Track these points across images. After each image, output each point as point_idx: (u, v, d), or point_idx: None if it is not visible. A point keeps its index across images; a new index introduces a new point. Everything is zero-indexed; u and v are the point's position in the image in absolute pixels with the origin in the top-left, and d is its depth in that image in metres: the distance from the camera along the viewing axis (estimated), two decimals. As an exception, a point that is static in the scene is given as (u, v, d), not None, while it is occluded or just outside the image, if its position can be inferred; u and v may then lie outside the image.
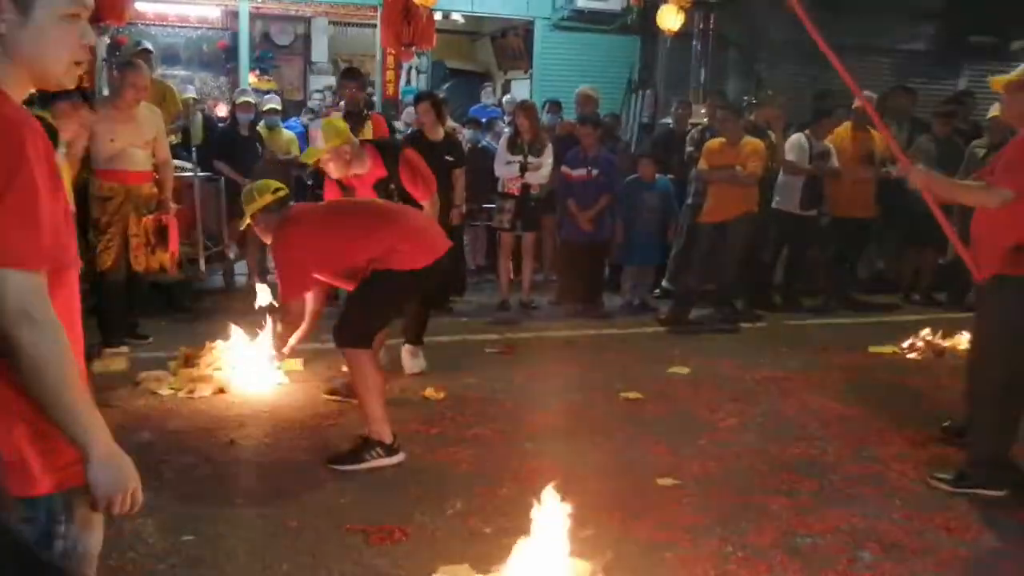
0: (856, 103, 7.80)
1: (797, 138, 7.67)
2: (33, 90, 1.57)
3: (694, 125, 8.31)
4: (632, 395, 5.14)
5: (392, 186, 4.91)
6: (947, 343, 6.41)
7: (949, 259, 8.39)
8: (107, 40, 9.19)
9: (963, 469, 4.00)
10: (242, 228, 4.69)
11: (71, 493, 1.55)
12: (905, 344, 6.46)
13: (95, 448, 1.49)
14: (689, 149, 7.96)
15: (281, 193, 4.31)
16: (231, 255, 7.49)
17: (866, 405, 5.13)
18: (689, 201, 7.70)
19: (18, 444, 1.48)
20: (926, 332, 6.51)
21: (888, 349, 6.42)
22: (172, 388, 4.96)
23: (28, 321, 1.40)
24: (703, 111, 8.72)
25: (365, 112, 7.00)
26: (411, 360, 5.52)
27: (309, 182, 8.35)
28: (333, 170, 4.83)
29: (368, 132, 7.06)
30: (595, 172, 7.27)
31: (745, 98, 8.67)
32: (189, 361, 5.27)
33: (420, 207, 4.87)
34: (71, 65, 1.54)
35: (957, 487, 3.93)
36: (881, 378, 5.74)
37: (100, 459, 1.50)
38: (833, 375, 5.77)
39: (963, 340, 6.38)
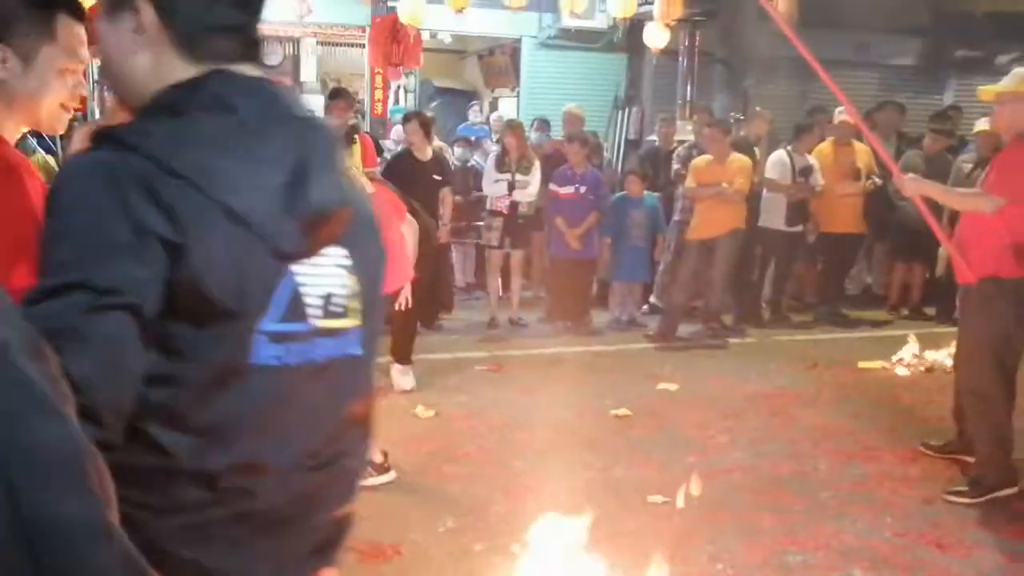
0: (837, 118, 7.87)
1: (779, 155, 7.69)
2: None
3: (680, 142, 8.34)
4: (622, 412, 5.13)
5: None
6: (936, 358, 6.41)
7: (938, 274, 8.46)
8: (99, 61, 9.16)
9: (974, 477, 4.01)
10: None
11: None
12: (894, 359, 6.46)
13: None
14: (676, 166, 7.98)
15: None
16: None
17: (856, 421, 5.14)
18: (677, 217, 7.72)
19: None
20: (915, 347, 6.52)
21: (877, 364, 6.43)
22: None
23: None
24: (689, 128, 8.76)
25: (354, 135, 7.01)
26: (401, 378, 5.50)
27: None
28: None
29: (356, 152, 7.08)
30: (583, 190, 7.29)
31: (732, 115, 8.70)
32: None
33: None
34: (63, 112, 1.66)
35: (976, 497, 3.93)
36: (871, 394, 5.74)
37: None
38: (823, 391, 5.77)
39: (952, 354, 6.41)
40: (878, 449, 4.70)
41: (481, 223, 7.79)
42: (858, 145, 7.92)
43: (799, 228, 7.77)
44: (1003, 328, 3.88)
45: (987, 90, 4.02)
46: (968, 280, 3.95)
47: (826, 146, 7.94)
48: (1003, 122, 3.98)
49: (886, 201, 8.13)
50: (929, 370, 6.32)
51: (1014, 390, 4.04)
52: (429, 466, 4.24)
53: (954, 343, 6.38)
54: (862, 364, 6.44)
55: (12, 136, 1.63)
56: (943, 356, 6.41)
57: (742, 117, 8.50)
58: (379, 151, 9.64)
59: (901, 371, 6.33)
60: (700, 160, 7.15)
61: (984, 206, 3.84)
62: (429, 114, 8.01)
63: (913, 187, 3.97)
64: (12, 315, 0.81)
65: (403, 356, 5.54)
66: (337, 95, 7.42)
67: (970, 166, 7.88)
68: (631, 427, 4.93)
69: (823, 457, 4.57)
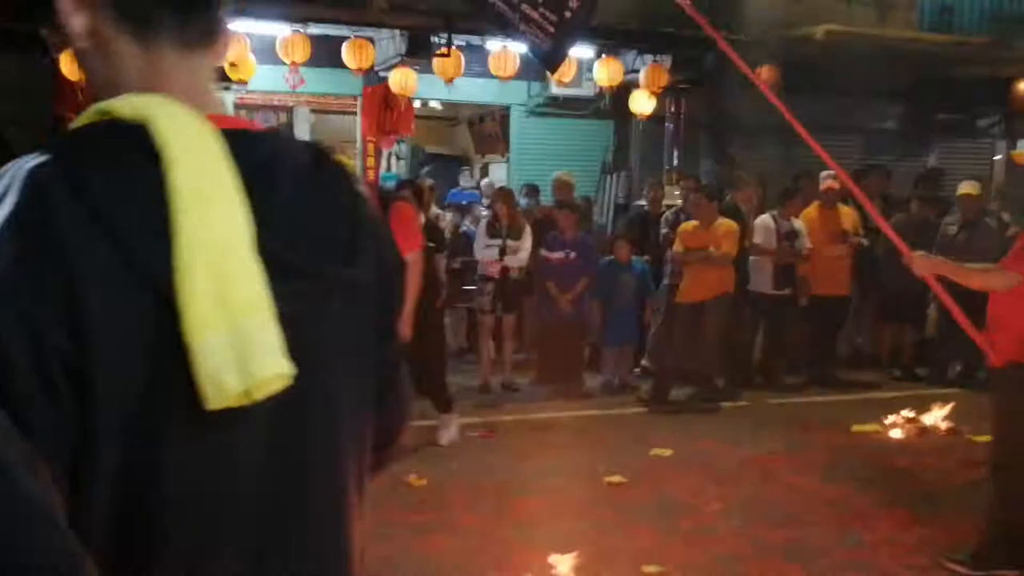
0: (823, 184, 7.99)
1: (764, 219, 7.79)
2: None
3: (668, 207, 8.45)
4: (615, 479, 5.10)
5: None
6: (929, 421, 6.41)
7: (928, 335, 8.51)
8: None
9: (979, 550, 3.94)
10: None
11: None
12: (887, 422, 6.46)
13: None
14: (664, 230, 8.06)
15: None
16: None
17: (851, 486, 5.11)
18: (666, 281, 7.78)
19: None
20: (908, 411, 6.52)
21: (871, 428, 6.42)
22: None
23: None
24: (677, 192, 8.88)
25: None
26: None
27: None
28: None
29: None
30: (573, 255, 7.36)
31: (720, 180, 8.84)
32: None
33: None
34: None
35: (976, 571, 3.86)
36: (865, 458, 5.72)
37: None
38: (816, 455, 5.75)
39: (945, 418, 6.43)
40: (873, 515, 4.67)
41: (473, 287, 7.83)
42: (843, 208, 8.04)
43: (787, 291, 7.83)
44: None
45: (1021, 154, 4.00)
46: (995, 363, 3.85)
47: (812, 210, 8.06)
48: None
49: (872, 262, 8.23)
50: (923, 433, 6.31)
51: None
52: (423, 536, 4.20)
53: (946, 405, 6.48)
54: (855, 427, 6.43)
55: None
56: (936, 419, 6.43)
57: (730, 183, 8.62)
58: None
59: (895, 434, 6.32)
60: (687, 225, 7.25)
61: (998, 283, 3.75)
62: (428, 180, 8.13)
63: (925, 266, 3.83)
64: (10, 432, 0.82)
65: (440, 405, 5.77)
66: None
67: (955, 228, 8.02)
68: (625, 494, 4.90)
69: (818, 524, 4.54)
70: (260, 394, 0.93)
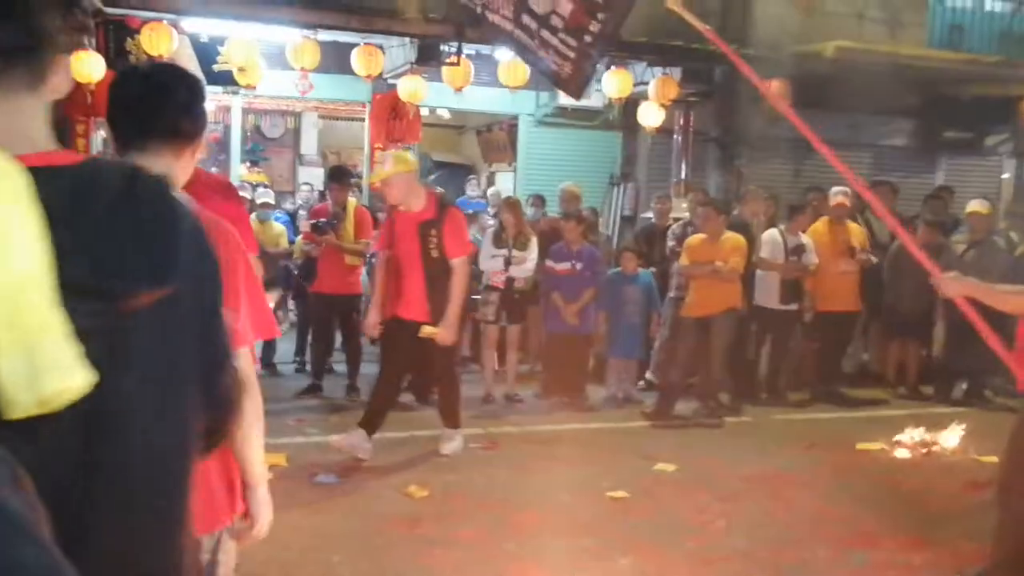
0: (834, 200, 7.94)
1: (771, 234, 7.75)
2: None
3: (676, 219, 8.41)
4: (618, 494, 5.05)
5: (434, 231, 5.27)
6: (936, 441, 6.36)
7: (935, 354, 8.46)
8: (101, 134, 9.30)
9: (986, 569, 3.89)
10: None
11: (226, 529, 1.99)
12: (893, 441, 6.40)
13: (262, 487, 1.97)
14: (671, 243, 8.01)
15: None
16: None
17: (856, 506, 5.06)
18: (672, 294, 7.74)
19: (214, 488, 1.90)
20: (916, 430, 6.46)
21: (876, 446, 6.36)
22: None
23: (246, 385, 1.75)
24: (684, 205, 8.85)
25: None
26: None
27: (295, 271, 8.42)
28: (392, 194, 5.32)
29: (351, 223, 7.15)
30: (579, 266, 7.33)
31: (729, 193, 8.81)
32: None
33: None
34: None
35: None
36: (870, 477, 5.66)
37: (264, 495, 1.98)
38: (821, 473, 5.70)
39: (952, 437, 6.37)
40: (879, 536, 4.61)
41: (477, 297, 7.81)
42: (851, 224, 8.00)
43: (794, 306, 7.79)
44: None
45: None
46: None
47: (821, 225, 8.02)
48: None
49: (880, 279, 8.18)
50: (929, 453, 6.26)
51: None
52: (423, 550, 4.15)
53: (954, 426, 6.43)
54: (860, 445, 6.37)
55: None
56: (943, 438, 6.38)
57: (737, 196, 8.59)
58: (375, 224, 9.74)
59: (900, 453, 6.26)
60: (694, 238, 7.21)
61: None
62: (439, 190, 8.11)
63: (955, 288, 3.72)
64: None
65: (449, 419, 5.77)
66: (335, 177, 7.55)
67: (964, 246, 7.97)
68: (628, 510, 4.85)
69: (823, 543, 4.48)
70: (56, 404, 1.02)
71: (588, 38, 4.25)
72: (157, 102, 1.88)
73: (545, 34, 4.30)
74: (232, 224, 2.14)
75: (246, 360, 1.84)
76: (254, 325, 1.91)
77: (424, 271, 5.31)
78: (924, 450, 6.29)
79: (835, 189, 7.89)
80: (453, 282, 5.30)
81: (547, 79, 4.72)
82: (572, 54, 4.27)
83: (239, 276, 1.83)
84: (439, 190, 6.19)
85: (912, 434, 6.44)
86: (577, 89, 4.71)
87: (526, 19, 4.32)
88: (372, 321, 5.66)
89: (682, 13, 3.51)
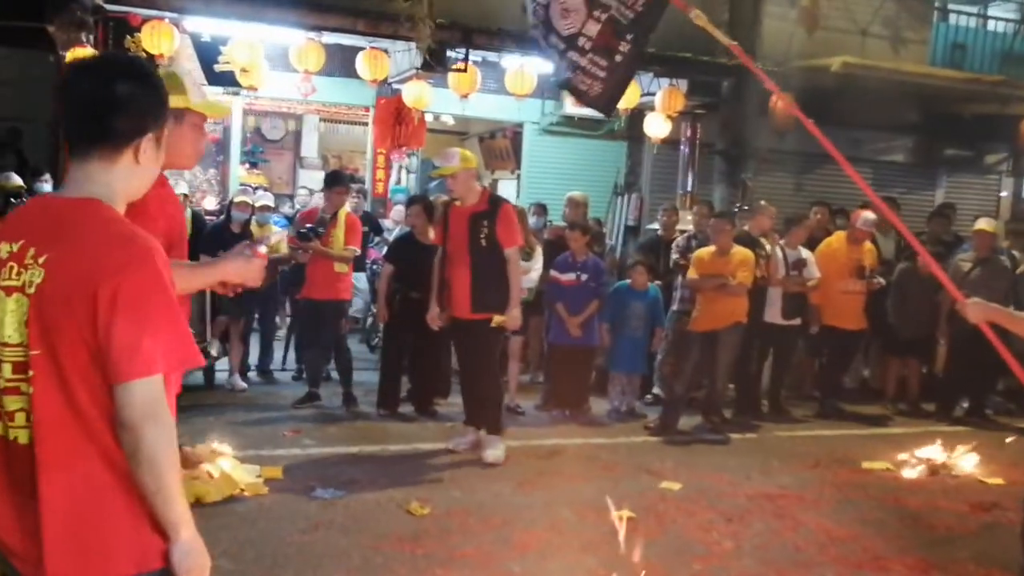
0: (861, 224, 7.83)
1: (771, 250, 7.68)
2: None
3: (681, 232, 8.35)
4: (623, 512, 4.95)
5: (485, 222, 5.64)
6: (941, 461, 6.30)
7: (937, 371, 8.42)
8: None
9: None
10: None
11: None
12: (898, 460, 6.35)
13: (184, 531, 1.70)
14: (675, 256, 7.95)
15: None
16: (214, 352, 7.35)
17: (862, 527, 5.00)
18: (675, 307, 7.68)
19: (118, 530, 1.67)
20: (920, 449, 6.41)
21: (881, 465, 6.31)
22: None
23: (153, 418, 1.64)
24: (689, 217, 8.79)
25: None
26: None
27: (284, 268, 8.14)
28: (457, 188, 5.69)
29: (341, 230, 7.00)
30: (584, 277, 7.26)
31: (737, 206, 8.73)
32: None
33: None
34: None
35: None
36: (876, 497, 5.61)
37: (187, 542, 1.70)
38: (827, 493, 5.64)
39: (958, 457, 6.32)
40: (886, 557, 4.55)
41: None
42: (866, 244, 7.92)
43: (796, 321, 7.73)
44: None
45: None
46: None
47: (836, 240, 7.94)
48: None
49: (881, 296, 8.11)
50: (934, 472, 6.20)
51: None
52: (425, 570, 4.07)
53: (960, 446, 6.38)
54: (865, 464, 6.32)
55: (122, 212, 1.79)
56: (948, 458, 6.33)
57: (746, 208, 8.51)
58: (378, 231, 9.66)
59: (906, 472, 6.19)
60: (703, 252, 7.14)
61: None
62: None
63: (979, 313, 3.64)
64: None
65: (491, 426, 5.89)
66: (334, 181, 7.36)
67: (969, 265, 7.94)
68: (634, 530, 4.74)
69: (830, 565, 4.43)
70: None
71: (619, 58, 4.21)
72: (87, 98, 1.72)
73: (573, 55, 4.26)
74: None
75: (149, 389, 1.64)
76: (167, 353, 1.67)
77: (471, 261, 5.67)
78: (929, 470, 6.23)
79: (864, 214, 7.81)
80: (508, 270, 5.71)
81: (579, 98, 4.67)
82: (603, 73, 4.23)
83: (152, 301, 1.65)
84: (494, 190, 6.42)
85: (916, 453, 6.39)
86: (608, 107, 4.70)
87: (553, 39, 4.29)
88: (433, 314, 6.01)
89: (707, 27, 3.47)
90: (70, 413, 1.65)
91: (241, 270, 2.41)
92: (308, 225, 7.04)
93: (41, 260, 1.65)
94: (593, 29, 4.15)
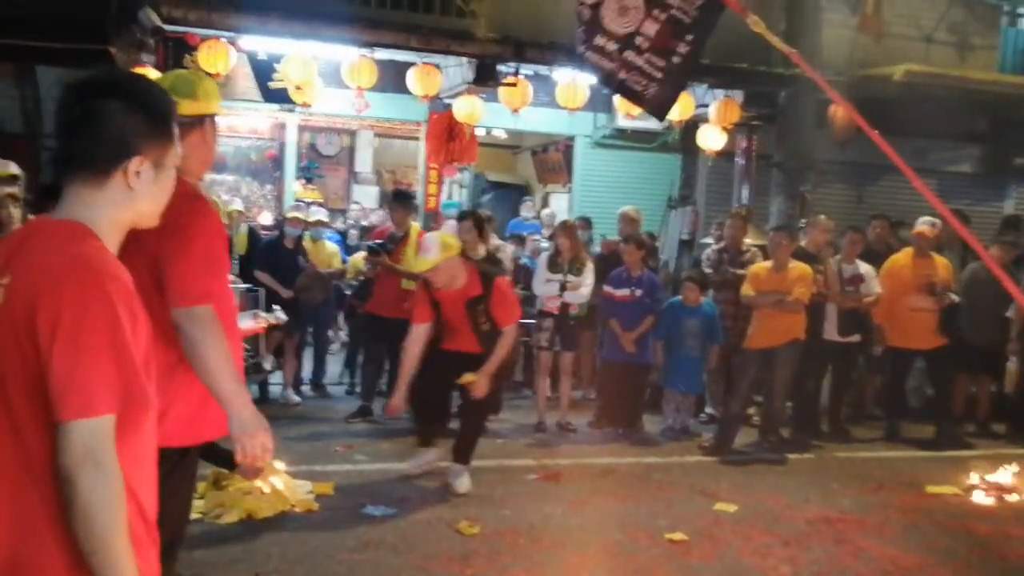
0: (916, 229, 7.56)
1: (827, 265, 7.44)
2: None
3: (751, 246, 8.06)
4: (677, 536, 4.84)
5: (481, 306, 5.32)
6: (1011, 484, 6.03)
7: (1008, 390, 8.06)
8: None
9: None
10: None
11: None
12: (967, 484, 6.09)
13: None
14: (707, 271, 7.76)
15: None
16: (267, 366, 7.41)
17: (929, 555, 4.79)
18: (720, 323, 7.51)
19: None
20: (990, 473, 6.13)
21: (948, 490, 6.05)
22: (199, 512, 4.77)
23: (92, 466, 1.46)
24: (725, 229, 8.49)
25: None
26: (457, 479, 5.46)
27: (347, 291, 8.38)
28: (438, 279, 5.26)
29: (412, 247, 7.08)
30: (639, 293, 7.14)
31: (803, 221, 8.45)
32: (218, 483, 5.09)
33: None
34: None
35: None
36: (942, 523, 5.37)
37: None
38: (890, 518, 5.42)
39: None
40: (956, 589, 4.35)
41: (531, 321, 7.67)
42: (938, 258, 7.59)
43: (855, 338, 7.48)
44: None
45: None
46: None
47: (903, 257, 7.64)
48: None
49: (951, 314, 7.79)
50: (1004, 498, 5.93)
51: None
52: (474, 591, 4.01)
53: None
54: (930, 488, 6.07)
55: (117, 239, 1.67)
56: (1019, 482, 6.06)
57: (805, 222, 8.27)
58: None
59: (975, 498, 5.94)
60: (759, 267, 6.97)
61: None
62: (486, 212, 8.00)
63: None
64: None
65: (464, 455, 5.51)
66: (398, 199, 7.53)
67: (1040, 278, 7.60)
68: (687, 553, 4.64)
69: (896, 597, 4.24)
70: None
71: (676, 59, 4.11)
72: (66, 118, 1.62)
73: (629, 55, 4.17)
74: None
75: (89, 431, 1.47)
76: (107, 390, 1.49)
77: (478, 339, 5.44)
78: (999, 495, 5.97)
79: (923, 219, 7.53)
80: (500, 341, 5.42)
81: (631, 99, 4.56)
82: (659, 74, 4.14)
83: (92, 327, 1.49)
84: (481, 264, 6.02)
85: (986, 477, 6.12)
86: (662, 109, 4.59)
87: (600, 40, 4.20)
88: (395, 403, 5.50)
89: (765, 34, 3.36)
90: (14, 448, 1.51)
91: (242, 440, 2.52)
92: (378, 240, 7.16)
93: (4, 281, 1.55)
94: (652, 29, 4.06)
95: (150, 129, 1.65)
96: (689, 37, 4.27)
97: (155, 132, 1.66)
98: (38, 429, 1.50)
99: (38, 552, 1.51)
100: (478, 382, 5.31)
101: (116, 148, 1.62)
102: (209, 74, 7.92)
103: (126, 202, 1.66)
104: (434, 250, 5.22)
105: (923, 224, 7.47)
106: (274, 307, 6.84)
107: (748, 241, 7.93)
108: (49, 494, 1.50)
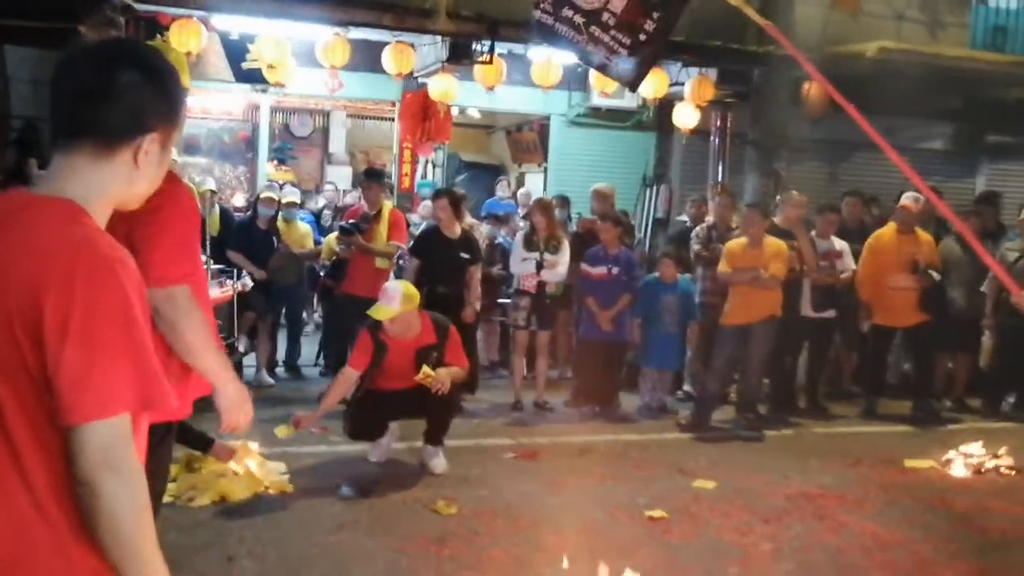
0: (903, 202, 7.52)
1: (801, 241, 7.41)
2: None
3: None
4: (657, 513, 4.80)
5: (435, 354, 5.26)
6: (988, 458, 6.05)
7: (983, 365, 8.10)
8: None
9: None
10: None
11: None
12: (944, 459, 6.11)
13: None
14: (695, 247, 7.72)
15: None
16: (241, 348, 7.30)
17: (909, 530, 4.79)
18: (697, 299, 7.49)
19: None
20: (967, 446, 6.15)
21: (926, 464, 6.06)
22: (171, 495, 4.66)
23: (112, 471, 1.35)
24: (710, 207, 8.52)
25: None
26: (433, 459, 5.38)
27: (321, 272, 8.26)
28: (393, 329, 5.19)
29: (384, 226, 6.99)
30: (615, 271, 7.09)
31: (778, 198, 8.44)
32: (190, 465, 4.99)
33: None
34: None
35: None
36: (922, 498, 5.37)
37: None
38: (870, 493, 5.42)
39: (1006, 455, 6.08)
40: (936, 563, 4.34)
41: (507, 300, 7.59)
42: (922, 235, 7.55)
43: (830, 314, 7.48)
44: None
45: None
46: None
47: (887, 232, 7.59)
48: None
49: (935, 291, 7.77)
50: (981, 471, 5.96)
51: None
52: (452, 573, 3.94)
53: (1004, 442, 6.13)
54: (909, 463, 6.08)
55: (106, 219, 1.53)
56: (995, 456, 6.09)
57: (779, 199, 8.25)
58: (407, 225, 9.56)
59: (953, 472, 5.95)
60: (735, 244, 6.93)
61: None
62: (460, 191, 7.91)
63: None
64: None
65: (437, 437, 5.40)
66: (370, 177, 7.46)
67: (1016, 254, 7.65)
68: (667, 531, 4.61)
69: (876, 572, 4.23)
70: None
71: (643, 36, 4.03)
72: (80, 86, 1.47)
73: (595, 30, 4.08)
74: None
75: (107, 434, 1.35)
76: (127, 389, 1.37)
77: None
78: (976, 469, 5.99)
79: (907, 194, 7.49)
80: (454, 371, 5.29)
81: (603, 72, 4.48)
82: (625, 52, 4.06)
83: (110, 322, 1.36)
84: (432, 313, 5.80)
85: (963, 451, 6.14)
86: (631, 86, 4.51)
87: (567, 12, 4.11)
88: (305, 422, 5.25)
89: (743, 7, 3.29)
90: (4, 449, 1.36)
91: (229, 408, 2.62)
92: (351, 220, 7.07)
93: None
94: (618, 5, 3.98)
95: (167, 107, 1.53)
96: (656, 14, 4.19)
97: (170, 111, 1.54)
98: (31, 429, 1.36)
99: (31, 557, 1.38)
100: (439, 376, 5.12)
101: (133, 122, 1.48)
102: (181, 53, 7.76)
103: (126, 182, 1.51)
104: (396, 301, 5.13)
105: (908, 199, 7.45)
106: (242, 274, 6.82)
107: (736, 218, 7.91)
108: (41, 499, 1.37)
